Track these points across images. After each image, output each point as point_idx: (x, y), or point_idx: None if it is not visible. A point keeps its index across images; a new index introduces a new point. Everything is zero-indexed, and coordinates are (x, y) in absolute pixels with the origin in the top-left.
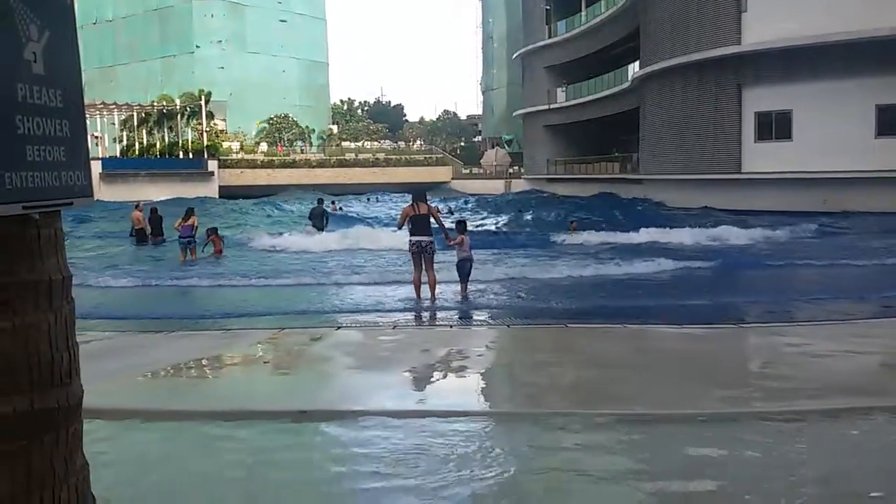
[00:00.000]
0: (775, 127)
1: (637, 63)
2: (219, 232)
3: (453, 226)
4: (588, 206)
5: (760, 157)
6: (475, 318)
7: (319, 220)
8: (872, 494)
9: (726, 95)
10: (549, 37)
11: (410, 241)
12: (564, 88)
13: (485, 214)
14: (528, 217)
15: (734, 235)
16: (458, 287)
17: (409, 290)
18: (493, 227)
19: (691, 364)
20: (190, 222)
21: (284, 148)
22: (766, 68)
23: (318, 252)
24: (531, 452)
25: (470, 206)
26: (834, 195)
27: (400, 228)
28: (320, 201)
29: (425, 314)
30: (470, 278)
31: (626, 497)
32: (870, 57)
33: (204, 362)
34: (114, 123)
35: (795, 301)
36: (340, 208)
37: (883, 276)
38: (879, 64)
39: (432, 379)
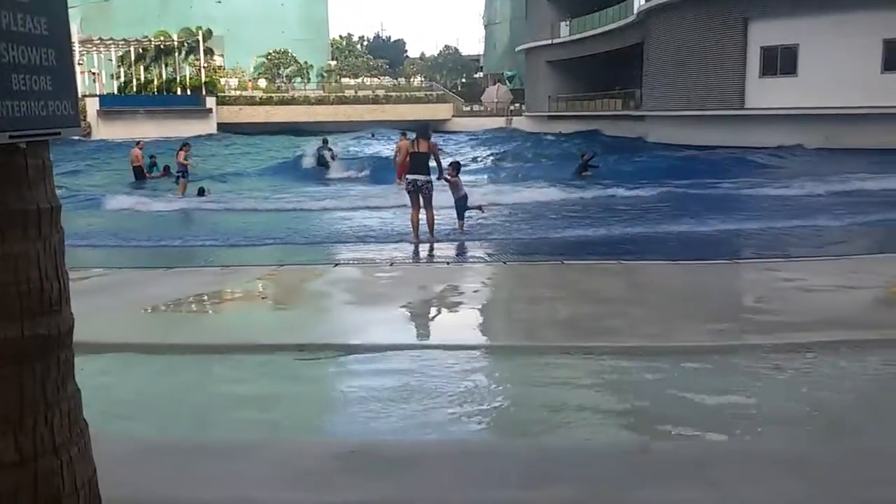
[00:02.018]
0: (780, 62)
1: None
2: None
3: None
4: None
5: (764, 93)
6: (473, 254)
7: (328, 157)
8: (866, 419)
9: (732, 30)
10: None
11: (407, 178)
12: (568, 22)
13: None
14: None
15: None
16: (457, 224)
17: (407, 227)
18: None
19: (686, 298)
20: (181, 157)
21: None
22: (774, 1)
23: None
24: (528, 384)
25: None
26: (835, 131)
27: (399, 166)
28: (325, 140)
29: (422, 251)
30: (467, 214)
31: (621, 424)
32: None
33: (203, 298)
34: (111, 60)
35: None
36: (333, 157)
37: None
38: None
39: (429, 314)
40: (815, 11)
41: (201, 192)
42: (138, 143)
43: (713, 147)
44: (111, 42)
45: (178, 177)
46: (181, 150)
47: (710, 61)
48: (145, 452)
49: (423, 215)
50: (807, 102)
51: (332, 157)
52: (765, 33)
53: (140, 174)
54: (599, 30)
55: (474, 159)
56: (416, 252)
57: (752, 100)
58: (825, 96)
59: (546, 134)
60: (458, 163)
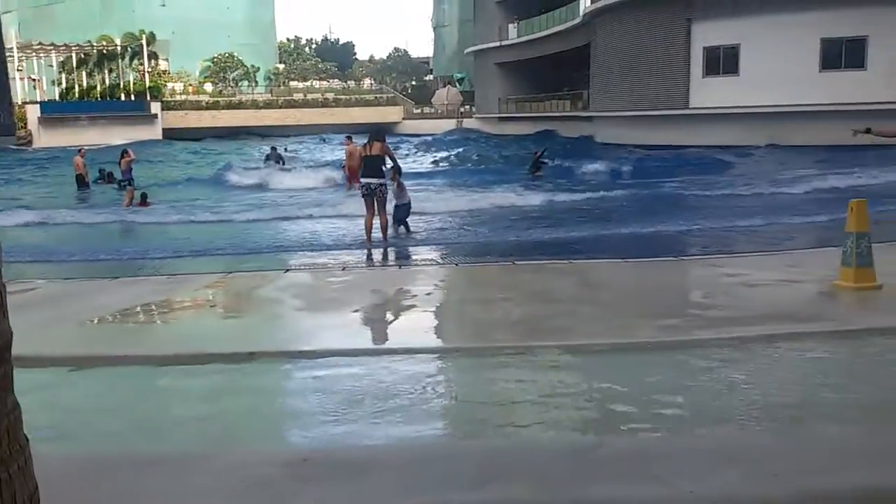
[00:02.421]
0: (723, 62)
1: None
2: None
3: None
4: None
5: (708, 93)
6: (425, 257)
7: (276, 161)
8: (806, 411)
9: (675, 30)
10: None
11: (360, 182)
12: (516, 24)
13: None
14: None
15: None
16: (401, 228)
17: (360, 232)
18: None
19: (634, 296)
20: (123, 164)
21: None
22: (716, 1)
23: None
24: (479, 385)
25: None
26: (780, 129)
27: (348, 171)
28: (273, 149)
29: (375, 255)
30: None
31: (572, 422)
32: None
33: (150, 307)
34: (52, 65)
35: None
36: (286, 149)
37: None
38: None
39: (381, 318)
40: (756, 12)
41: (144, 199)
42: (81, 150)
43: (660, 147)
44: (52, 47)
45: (123, 185)
46: (122, 157)
47: (654, 62)
48: (90, 467)
49: (376, 220)
50: (749, 101)
51: (280, 162)
52: (707, 34)
53: (83, 182)
54: (547, 32)
55: (434, 162)
56: (369, 256)
57: (697, 99)
58: (766, 95)
59: (497, 135)
60: (398, 167)
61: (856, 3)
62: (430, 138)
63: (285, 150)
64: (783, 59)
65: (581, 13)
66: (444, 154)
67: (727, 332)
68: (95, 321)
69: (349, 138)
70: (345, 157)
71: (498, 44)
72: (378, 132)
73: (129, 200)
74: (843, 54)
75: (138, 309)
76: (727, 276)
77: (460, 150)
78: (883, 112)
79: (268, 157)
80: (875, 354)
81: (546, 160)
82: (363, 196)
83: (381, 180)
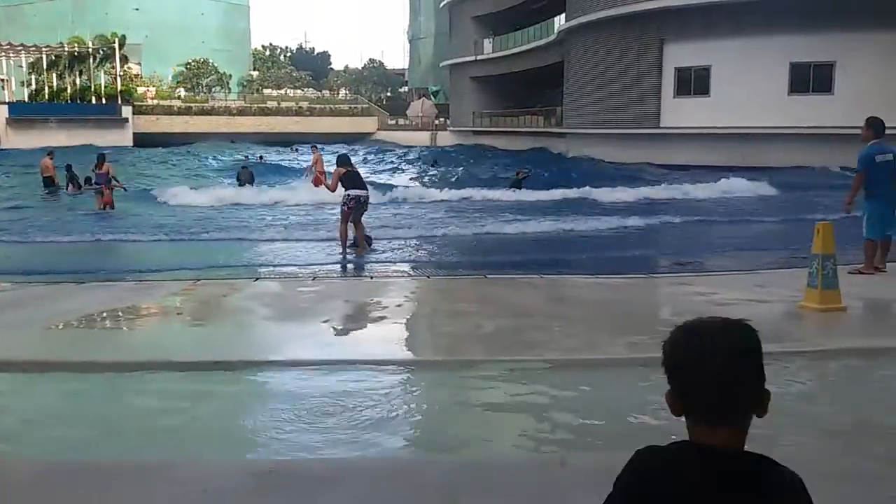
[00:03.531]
0: (694, 83)
1: (563, 16)
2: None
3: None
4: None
5: (679, 113)
6: (396, 269)
7: (248, 182)
8: (775, 429)
9: (648, 51)
10: None
11: (349, 195)
12: (491, 40)
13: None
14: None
15: None
16: (373, 239)
17: (332, 243)
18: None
19: (604, 312)
20: (104, 170)
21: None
22: (689, 24)
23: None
24: (449, 398)
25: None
26: (750, 150)
27: (334, 190)
28: (244, 168)
29: (348, 266)
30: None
31: (540, 437)
32: (788, 14)
33: (117, 313)
34: (21, 66)
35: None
36: (261, 157)
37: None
38: (797, 21)
39: (352, 329)
40: (727, 34)
41: (88, 182)
42: (49, 152)
43: (632, 164)
44: (21, 48)
45: (98, 188)
46: (99, 163)
47: (627, 81)
48: (48, 475)
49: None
50: (719, 122)
51: (251, 181)
52: (680, 55)
53: (51, 184)
54: (522, 48)
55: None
56: (342, 266)
57: (668, 119)
58: (736, 117)
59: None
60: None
61: (824, 29)
62: (406, 149)
63: (260, 158)
64: (753, 82)
65: (556, 31)
66: (416, 169)
67: None
68: (60, 326)
69: (314, 147)
70: (311, 164)
71: (473, 58)
72: (344, 157)
73: (102, 204)
74: (811, 79)
75: (104, 314)
76: (697, 295)
77: (436, 164)
78: (848, 136)
79: (239, 178)
80: (837, 375)
81: (526, 182)
82: (348, 208)
83: (368, 193)
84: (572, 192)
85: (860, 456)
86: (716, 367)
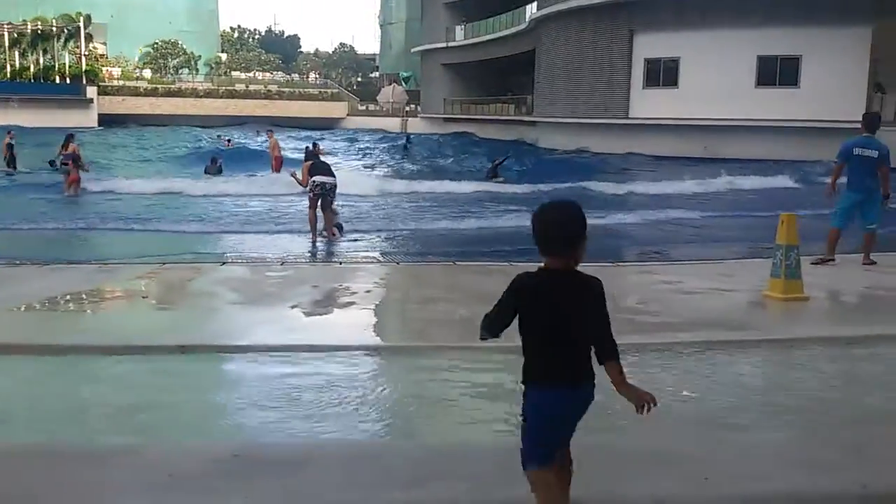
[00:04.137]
0: (663, 74)
1: (535, 4)
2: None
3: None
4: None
5: (647, 103)
6: (366, 255)
7: (215, 174)
8: (738, 416)
9: (618, 41)
10: None
11: (314, 181)
12: (463, 27)
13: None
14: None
15: None
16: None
17: (303, 234)
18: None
19: None
20: (71, 150)
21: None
22: (659, 14)
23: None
24: (416, 384)
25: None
26: (714, 142)
27: (305, 184)
28: (213, 161)
29: (317, 251)
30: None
31: (507, 423)
32: (757, 7)
33: (81, 296)
34: None
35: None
36: (229, 141)
37: None
38: (765, 15)
39: (320, 313)
40: (696, 26)
41: (52, 165)
42: (9, 132)
43: (601, 154)
44: None
45: (65, 168)
46: (67, 142)
47: (597, 71)
48: (8, 458)
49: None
50: (686, 113)
51: (218, 169)
52: (650, 45)
53: (13, 164)
54: (493, 35)
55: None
56: (311, 252)
57: (637, 109)
58: (704, 108)
59: (442, 134)
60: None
61: (791, 22)
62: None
63: (229, 141)
64: (721, 74)
65: (527, 19)
66: (389, 157)
67: (659, 337)
68: (21, 308)
69: (270, 131)
70: (269, 149)
71: (445, 45)
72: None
73: (71, 185)
74: (777, 72)
75: (67, 297)
76: (662, 283)
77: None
78: (812, 130)
79: (206, 170)
80: (800, 363)
81: (504, 168)
82: (314, 194)
83: (335, 180)
84: (545, 186)
85: (824, 443)
86: (548, 224)
